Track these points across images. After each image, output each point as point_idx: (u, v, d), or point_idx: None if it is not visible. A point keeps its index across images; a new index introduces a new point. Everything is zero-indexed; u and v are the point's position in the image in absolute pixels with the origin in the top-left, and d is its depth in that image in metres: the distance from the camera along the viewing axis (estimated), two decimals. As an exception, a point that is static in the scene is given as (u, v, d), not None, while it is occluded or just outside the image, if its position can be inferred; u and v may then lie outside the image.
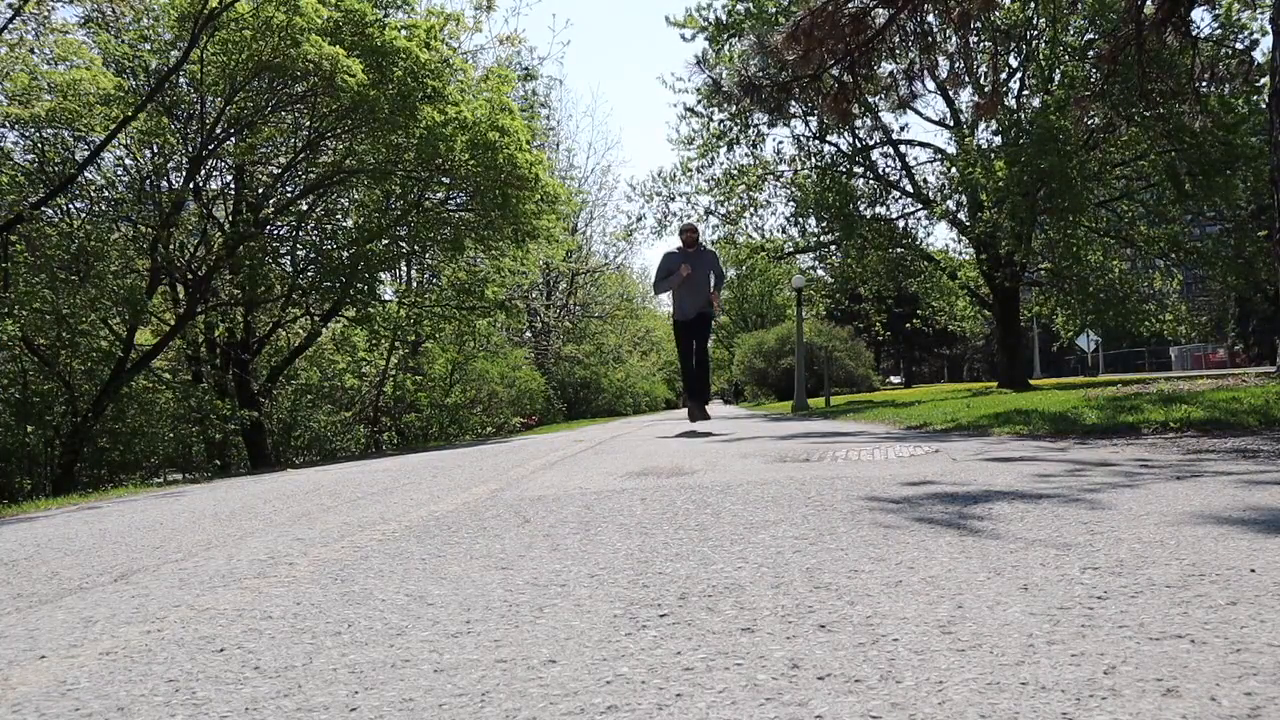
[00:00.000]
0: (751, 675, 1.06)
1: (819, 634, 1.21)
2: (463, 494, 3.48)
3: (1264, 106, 11.84)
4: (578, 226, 33.19)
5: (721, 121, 18.70)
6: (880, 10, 8.69)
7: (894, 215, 20.23)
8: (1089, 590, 1.35)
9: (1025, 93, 17.89)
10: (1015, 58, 17.36)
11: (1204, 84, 10.94)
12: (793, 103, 12.65)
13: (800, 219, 19.95)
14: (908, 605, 1.33)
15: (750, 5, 16.10)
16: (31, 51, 11.01)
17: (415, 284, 18.26)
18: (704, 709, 0.96)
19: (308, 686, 1.13)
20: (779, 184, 20.04)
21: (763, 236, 20.87)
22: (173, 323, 12.48)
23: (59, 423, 10.56)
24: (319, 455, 15.16)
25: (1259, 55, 13.79)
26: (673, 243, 9.34)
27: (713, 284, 8.18)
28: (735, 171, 19.61)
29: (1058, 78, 15.81)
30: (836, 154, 19.64)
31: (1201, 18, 16.87)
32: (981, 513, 2.17)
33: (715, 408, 26.90)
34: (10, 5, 10.59)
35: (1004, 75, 17.51)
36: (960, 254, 22.82)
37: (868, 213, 19.44)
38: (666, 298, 8.57)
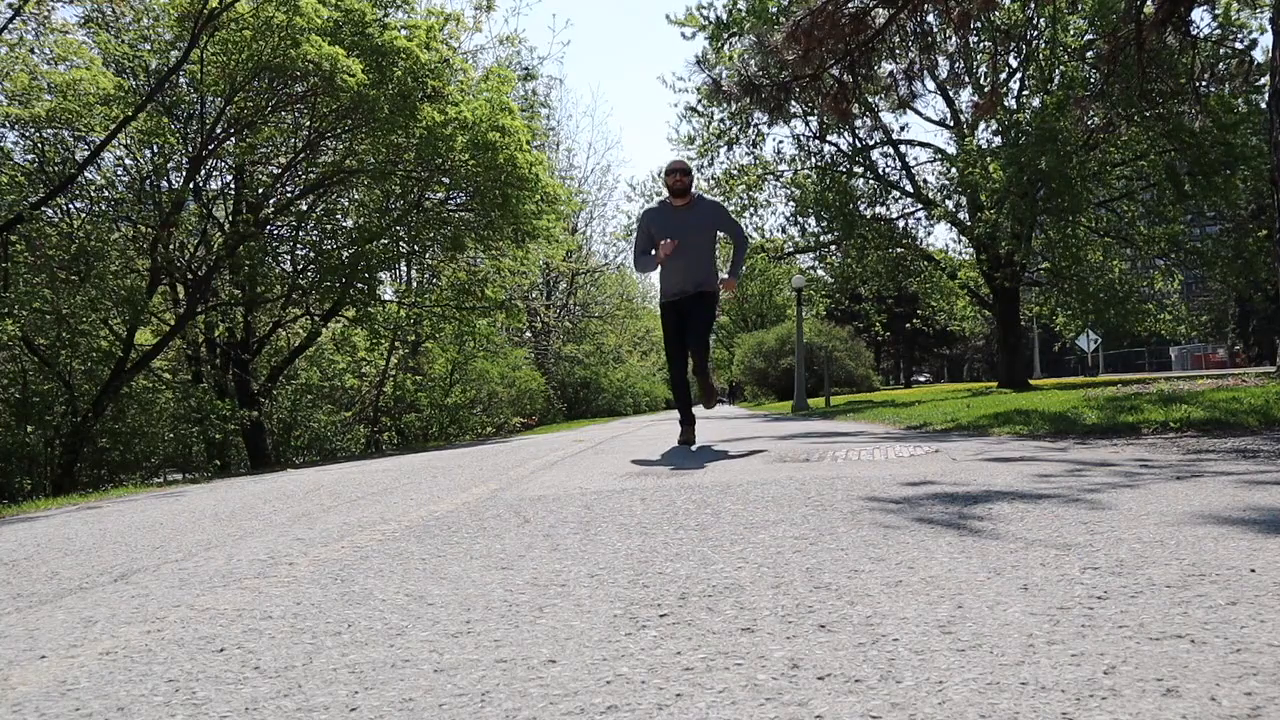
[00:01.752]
0: (751, 675, 1.06)
1: (819, 634, 1.21)
2: (463, 494, 3.48)
3: (1264, 106, 11.85)
4: (578, 226, 33.21)
5: (721, 121, 18.71)
6: (880, 10, 8.69)
7: (894, 215, 20.24)
8: (1089, 590, 1.35)
9: (1025, 93, 17.89)
10: (1015, 58, 17.37)
11: (1204, 84, 10.94)
12: (793, 102, 12.63)
13: (800, 219, 19.96)
14: (908, 605, 1.33)
15: (751, 4, 16.10)
16: (31, 51, 11.01)
17: (415, 284, 18.26)
18: (704, 709, 0.96)
19: (308, 686, 1.13)
20: (779, 184, 20.05)
21: (763, 236, 20.86)
22: (173, 323, 12.49)
23: (59, 423, 10.56)
24: (319, 455, 15.16)
25: (1258, 54, 13.81)
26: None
27: (725, 254, 5.46)
28: (735, 171, 19.62)
29: (1057, 78, 15.82)
30: (836, 154, 19.65)
31: (1201, 17, 16.87)
32: (981, 513, 2.17)
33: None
34: (10, 5, 10.59)
35: (1004, 75, 17.54)
36: (960, 254, 22.84)
37: (868, 213, 19.45)
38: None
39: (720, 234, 5.68)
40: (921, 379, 58.23)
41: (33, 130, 10.86)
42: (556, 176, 21.86)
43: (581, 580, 1.67)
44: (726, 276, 5.53)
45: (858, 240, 18.88)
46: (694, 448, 5.40)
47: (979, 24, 12.49)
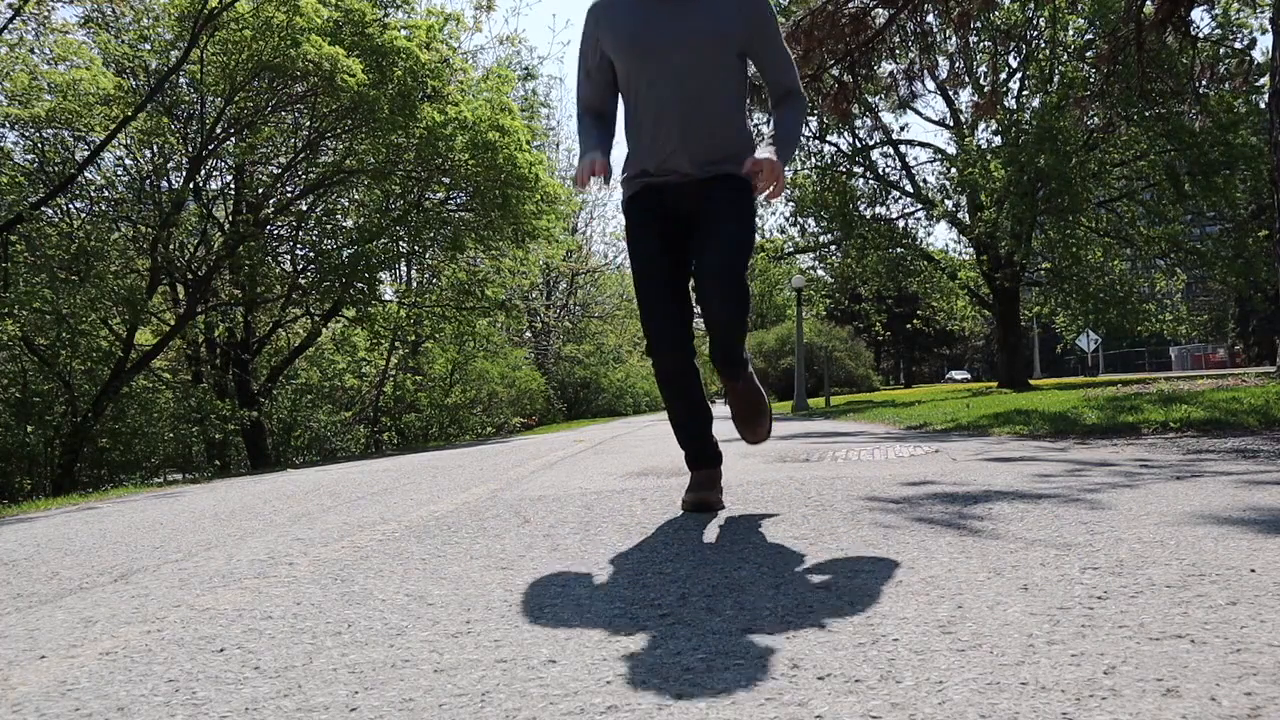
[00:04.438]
0: (751, 675, 1.06)
1: (819, 634, 1.21)
2: (463, 494, 3.48)
3: (1264, 106, 11.86)
4: (578, 226, 33.20)
5: (721, 121, 18.68)
6: (880, 10, 8.70)
7: (894, 215, 20.26)
8: (1089, 590, 1.35)
9: (1025, 93, 17.91)
10: (1015, 58, 17.39)
11: (1204, 84, 10.95)
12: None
13: (800, 219, 19.97)
14: (908, 605, 1.33)
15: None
16: (31, 51, 11.01)
17: (415, 284, 18.27)
18: (704, 709, 0.96)
19: (308, 686, 1.13)
20: (779, 184, 20.03)
21: (763, 236, 20.88)
22: (173, 323, 12.50)
23: (59, 423, 10.56)
24: (319, 455, 15.17)
25: (1258, 54, 13.81)
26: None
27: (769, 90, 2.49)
28: (735, 171, 19.60)
29: (1057, 78, 15.84)
30: (836, 154, 19.66)
31: (1201, 17, 16.88)
32: (981, 513, 2.17)
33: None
34: (10, 5, 10.60)
35: (1004, 75, 17.56)
36: (960, 254, 22.87)
37: (868, 213, 19.46)
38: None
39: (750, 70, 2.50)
40: (958, 376, 56.20)
41: (33, 130, 10.87)
42: (556, 176, 21.86)
43: (582, 580, 1.67)
44: (766, 154, 2.30)
45: (857, 240, 18.89)
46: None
47: (979, 24, 12.50)
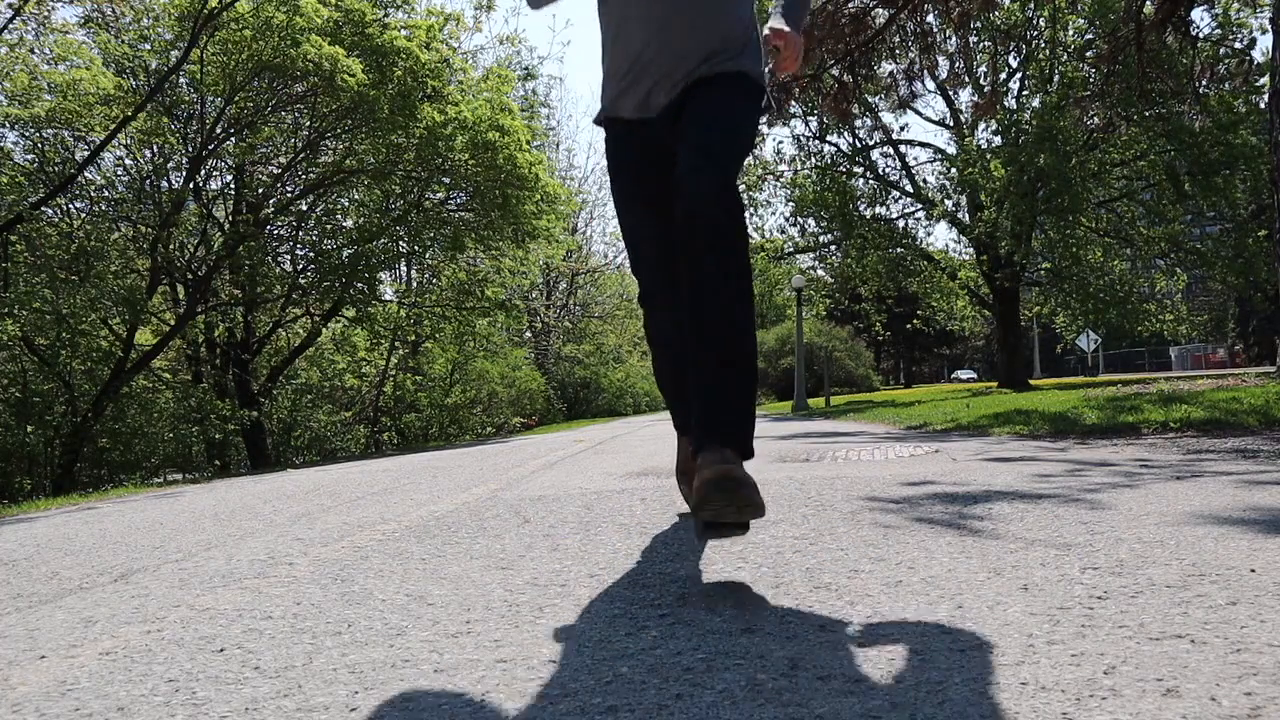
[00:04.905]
0: (751, 675, 1.06)
1: (819, 634, 1.21)
2: (463, 494, 3.48)
3: (1264, 106, 11.86)
4: (578, 226, 33.20)
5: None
6: (880, 10, 8.70)
7: (894, 215, 20.26)
8: (1089, 590, 1.35)
9: (1025, 93, 17.91)
10: (1015, 58, 17.40)
11: (1204, 84, 10.95)
12: (793, 102, 12.65)
13: (800, 219, 19.98)
14: (908, 605, 1.33)
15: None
16: (31, 51, 11.01)
17: (415, 284, 18.27)
18: (704, 709, 0.96)
19: (308, 686, 1.13)
20: (779, 184, 20.07)
21: (762, 236, 20.88)
22: (173, 323, 12.50)
23: (59, 423, 10.56)
24: (319, 455, 15.17)
25: (1258, 54, 13.81)
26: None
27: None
28: (735, 171, 19.59)
29: (1057, 78, 15.85)
30: (836, 154, 19.67)
31: (1201, 17, 16.89)
32: (981, 513, 2.17)
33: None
34: (10, 5, 10.60)
35: (1004, 75, 17.57)
36: (960, 254, 22.88)
37: (868, 213, 19.47)
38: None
39: None
40: (964, 376, 55.60)
41: (33, 130, 10.86)
42: (556, 176, 21.86)
43: (581, 580, 1.67)
44: (777, 25, 1.92)
45: (857, 240, 18.90)
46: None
47: (979, 24, 12.51)
